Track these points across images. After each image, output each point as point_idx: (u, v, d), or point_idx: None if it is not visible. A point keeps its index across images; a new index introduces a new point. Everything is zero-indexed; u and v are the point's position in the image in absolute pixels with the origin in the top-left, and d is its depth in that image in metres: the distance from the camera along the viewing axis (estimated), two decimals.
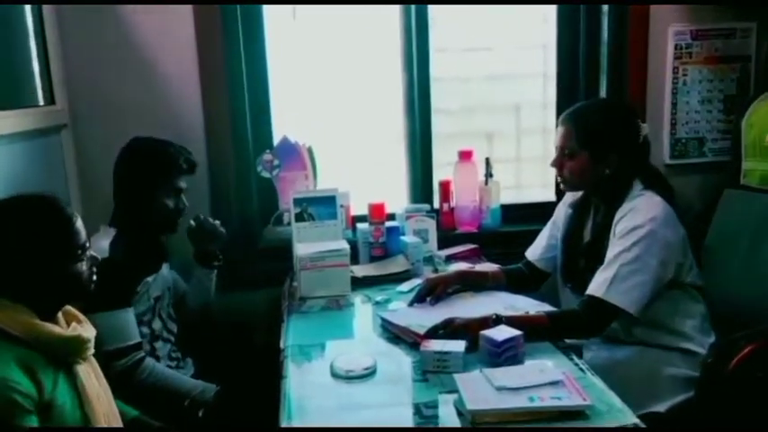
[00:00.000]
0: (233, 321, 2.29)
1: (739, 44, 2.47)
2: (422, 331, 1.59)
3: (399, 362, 1.56)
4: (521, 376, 1.34)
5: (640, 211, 1.68)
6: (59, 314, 1.38)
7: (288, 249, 2.19)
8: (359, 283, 2.07)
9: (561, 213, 1.97)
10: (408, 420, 1.31)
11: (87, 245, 1.39)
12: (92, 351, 1.38)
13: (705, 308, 1.79)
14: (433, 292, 1.87)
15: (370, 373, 1.47)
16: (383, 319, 1.74)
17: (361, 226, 2.28)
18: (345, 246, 2.04)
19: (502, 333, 1.48)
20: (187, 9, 2.23)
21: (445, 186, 2.50)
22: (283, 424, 1.31)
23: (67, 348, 1.33)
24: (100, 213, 1.91)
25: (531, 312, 1.70)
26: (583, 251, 1.85)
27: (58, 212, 1.35)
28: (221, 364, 2.04)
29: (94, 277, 1.42)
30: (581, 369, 1.46)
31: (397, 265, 2.16)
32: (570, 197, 1.95)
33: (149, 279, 1.84)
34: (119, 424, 1.43)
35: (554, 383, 1.31)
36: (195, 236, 2.07)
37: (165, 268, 1.96)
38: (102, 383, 1.42)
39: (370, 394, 1.41)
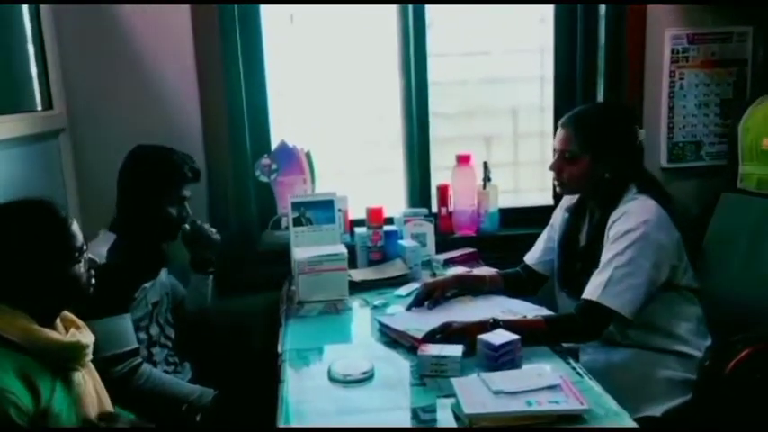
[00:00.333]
0: (231, 325, 2.29)
1: (736, 48, 2.48)
2: (419, 335, 1.59)
3: (397, 366, 1.56)
4: (518, 380, 1.34)
5: (633, 215, 1.69)
6: (58, 320, 1.38)
7: (286, 253, 2.20)
8: (357, 288, 2.07)
9: (558, 217, 1.98)
10: (406, 424, 1.31)
11: (84, 247, 1.39)
12: (90, 357, 1.38)
13: (701, 310, 1.79)
14: (430, 296, 1.87)
15: (367, 378, 1.47)
16: (381, 324, 1.74)
17: (359, 230, 2.28)
18: (343, 250, 2.04)
19: (499, 337, 1.48)
20: (185, 14, 2.23)
21: (443, 190, 2.50)
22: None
23: (66, 354, 1.33)
24: (98, 217, 1.91)
25: (529, 316, 1.70)
26: (579, 255, 1.85)
27: (53, 216, 1.35)
28: (219, 367, 2.05)
29: (93, 280, 1.43)
30: (578, 373, 1.46)
31: (395, 269, 2.16)
32: (567, 201, 1.96)
33: (147, 285, 1.84)
34: None
35: (551, 387, 1.32)
36: (190, 242, 2.06)
37: (163, 274, 1.96)
38: (99, 389, 1.42)
39: (367, 398, 1.41)
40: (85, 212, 2.23)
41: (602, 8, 2.44)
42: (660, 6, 2.42)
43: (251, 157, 2.39)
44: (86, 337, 1.39)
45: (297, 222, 2.17)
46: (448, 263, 2.26)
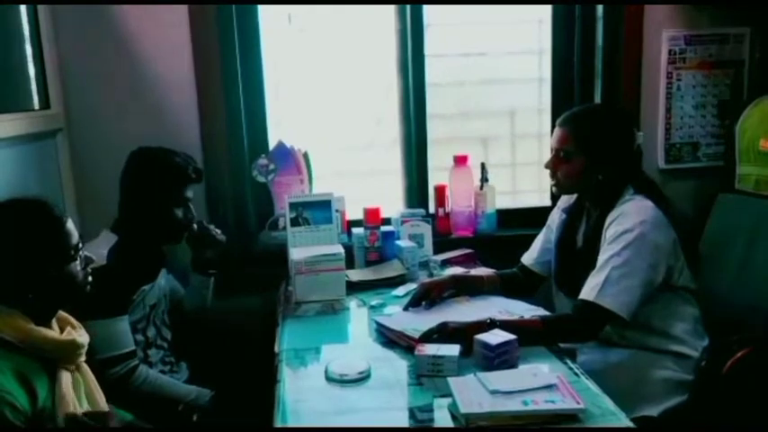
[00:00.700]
0: (228, 325, 2.28)
1: (733, 49, 2.48)
2: (416, 335, 1.59)
3: (394, 366, 1.56)
4: (515, 380, 1.35)
5: (630, 215, 1.69)
6: (54, 320, 1.37)
7: (283, 254, 2.20)
8: (354, 288, 2.07)
9: (555, 218, 1.98)
10: (403, 424, 1.31)
11: (80, 246, 1.39)
12: (83, 357, 1.38)
13: (698, 311, 1.79)
14: (428, 297, 1.87)
15: (364, 378, 1.47)
16: (378, 324, 1.74)
17: (356, 230, 2.28)
18: (341, 250, 2.04)
19: (496, 337, 1.49)
20: (183, 15, 2.23)
21: (441, 191, 2.50)
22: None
23: (61, 353, 1.33)
24: (95, 216, 1.92)
25: (526, 316, 1.70)
26: (576, 256, 1.85)
27: (47, 214, 1.35)
28: (216, 367, 2.04)
29: (89, 278, 1.42)
30: (575, 373, 1.47)
31: (392, 269, 2.17)
32: (564, 202, 1.96)
33: (146, 287, 1.84)
34: None
35: (548, 387, 1.32)
36: (195, 243, 2.05)
37: (161, 277, 1.95)
38: (97, 392, 1.42)
39: (364, 398, 1.42)
40: (82, 211, 2.23)
41: (600, 10, 2.45)
42: (657, 7, 2.43)
43: (248, 157, 2.39)
44: (82, 336, 1.39)
45: (294, 222, 2.18)
46: (445, 263, 2.26)
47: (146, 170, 1.86)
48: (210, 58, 2.27)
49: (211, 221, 2.13)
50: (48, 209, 1.35)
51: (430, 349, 1.49)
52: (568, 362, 1.53)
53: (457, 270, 2.17)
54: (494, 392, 1.30)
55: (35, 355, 1.27)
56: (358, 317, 1.92)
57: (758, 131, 2.16)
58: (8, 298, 1.29)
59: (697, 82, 2.50)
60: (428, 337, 1.57)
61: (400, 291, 2.04)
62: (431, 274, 2.19)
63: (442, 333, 1.58)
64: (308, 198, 2.24)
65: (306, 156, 2.42)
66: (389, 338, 1.68)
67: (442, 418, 1.31)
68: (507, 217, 2.56)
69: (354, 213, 2.39)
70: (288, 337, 1.75)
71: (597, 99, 2.50)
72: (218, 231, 2.06)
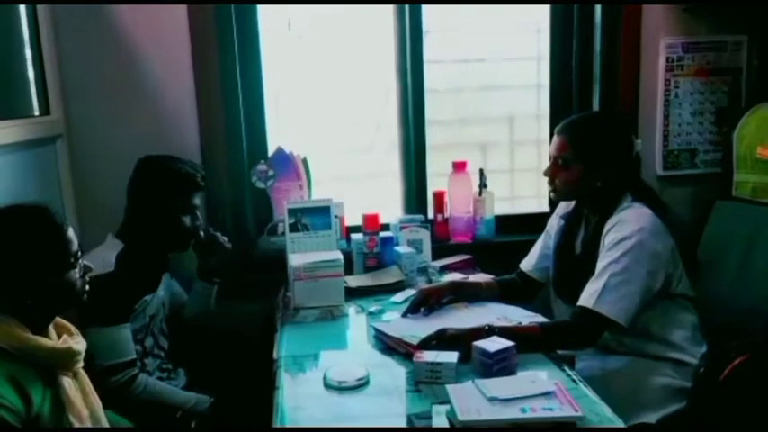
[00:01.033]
0: (227, 331, 2.28)
1: (730, 57, 2.50)
2: (415, 342, 1.59)
3: (392, 373, 1.56)
4: (513, 387, 1.35)
5: (628, 223, 1.69)
6: (51, 326, 1.37)
7: (282, 260, 2.19)
8: (353, 294, 2.07)
9: (554, 224, 1.98)
10: None
11: (79, 253, 1.39)
12: (81, 364, 1.38)
13: (696, 318, 1.80)
14: (426, 303, 1.87)
15: (362, 384, 1.47)
16: (377, 330, 1.74)
17: (355, 236, 2.28)
18: (339, 256, 2.05)
19: (494, 344, 1.49)
20: (183, 20, 2.24)
21: (439, 197, 2.51)
22: None
23: (56, 360, 1.32)
24: (95, 223, 1.92)
25: (524, 323, 1.70)
26: (574, 262, 1.85)
27: (48, 221, 1.35)
28: (215, 373, 2.04)
29: (87, 287, 1.42)
30: (573, 380, 1.47)
31: (391, 275, 2.17)
32: (563, 208, 1.96)
33: (148, 297, 1.84)
34: None
35: (546, 394, 1.32)
36: (202, 250, 2.06)
37: (161, 287, 1.95)
38: (93, 397, 1.42)
39: (362, 405, 1.42)
40: (82, 218, 2.23)
41: (598, 16, 2.45)
42: (655, 15, 2.44)
43: (247, 163, 2.39)
44: (79, 343, 1.38)
45: (293, 228, 2.18)
46: (444, 269, 2.26)
47: (153, 179, 1.87)
48: (210, 64, 2.28)
49: (210, 227, 2.13)
50: (49, 216, 1.36)
51: (428, 356, 1.49)
52: (567, 369, 1.53)
53: (455, 276, 2.17)
54: (492, 399, 1.30)
55: (30, 362, 1.27)
56: (356, 323, 1.92)
57: (755, 139, 2.17)
58: (5, 304, 1.29)
59: (695, 89, 2.51)
60: (426, 343, 1.57)
61: (399, 297, 2.04)
62: (429, 280, 2.19)
63: (440, 340, 1.58)
64: (307, 204, 2.24)
65: (305, 162, 2.42)
66: (388, 345, 1.68)
67: (440, 424, 1.31)
68: (506, 223, 2.56)
69: (353, 219, 2.39)
70: (286, 344, 1.75)
71: (595, 106, 2.51)
72: (225, 239, 2.07)
